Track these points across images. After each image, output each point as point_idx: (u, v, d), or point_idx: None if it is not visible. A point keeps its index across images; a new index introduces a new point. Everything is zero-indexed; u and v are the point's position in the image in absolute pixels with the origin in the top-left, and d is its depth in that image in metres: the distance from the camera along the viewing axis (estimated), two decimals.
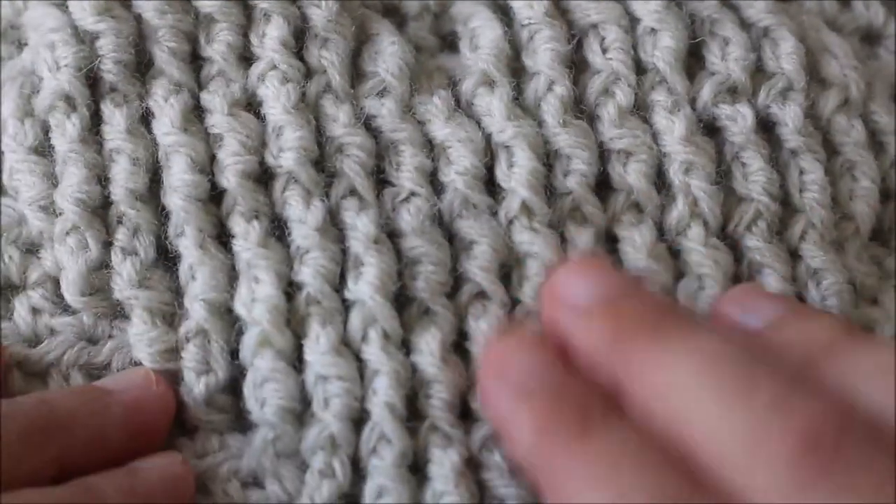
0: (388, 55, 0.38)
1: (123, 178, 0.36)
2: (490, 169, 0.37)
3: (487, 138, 0.37)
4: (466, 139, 0.37)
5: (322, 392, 0.34)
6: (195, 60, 0.38)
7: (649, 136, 0.37)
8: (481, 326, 0.35)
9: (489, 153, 0.37)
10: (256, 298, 0.35)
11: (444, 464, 0.34)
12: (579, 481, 0.29)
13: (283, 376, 0.34)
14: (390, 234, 0.36)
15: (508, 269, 0.36)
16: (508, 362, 0.32)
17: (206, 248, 0.36)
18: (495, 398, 0.31)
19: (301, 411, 0.35)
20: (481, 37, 0.38)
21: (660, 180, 0.37)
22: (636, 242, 0.36)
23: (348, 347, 0.35)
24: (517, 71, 0.38)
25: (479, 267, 0.36)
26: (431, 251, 0.36)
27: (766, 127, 0.38)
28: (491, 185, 0.37)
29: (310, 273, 0.35)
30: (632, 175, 0.37)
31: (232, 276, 0.36)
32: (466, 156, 0.36)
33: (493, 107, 0.37)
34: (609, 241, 0.37)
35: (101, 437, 0.33)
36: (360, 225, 0.36)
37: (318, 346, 0.35)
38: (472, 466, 0.34)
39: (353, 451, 0.34)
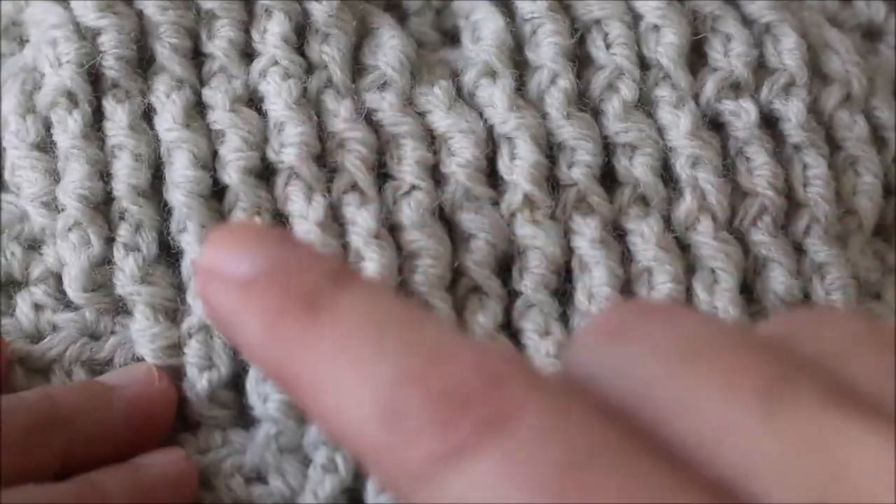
0: (389, 48, 0.38)
1: (125, 175, 0.36)
2: (491, 159, 0.37)
3: (489, 129, 0.37)
4: (468, 130, 0.37)
5: None
6: (197, 57, 0.38)
7: (654, 131, 0.37)
8: (478, 321, 0.35)
9: (491, 144, 0.37)
10: None
11: None
12: (314, 362, 0.24)
13: None
14: (391, 228, 0.36)
15: (510, 260, 0.36)
16: (224, 255, 0.25)
17: None
18: (215, 300, 0.25)
19: None
20: (483, 28, 0.38)
21: (665, 175, 0.37)
22: (645, 233, 0.36)
23: None
24: (520, 65, 0.38)
25: (474, 262, 0.36)
26: (430, 245, 0.36)
27: (768, 122, 0.38)
28: (492, 176, 0.37)
29: None
30: (638, 168, 0.37)
31: None
32: (468, 147, 0.36)
33: (495, 98, 0.37)
34: (616, 235, 0.37)
35: (104, 433, 0.33)
36: (361, 220, 0.36)
37: None
38: None
39: None
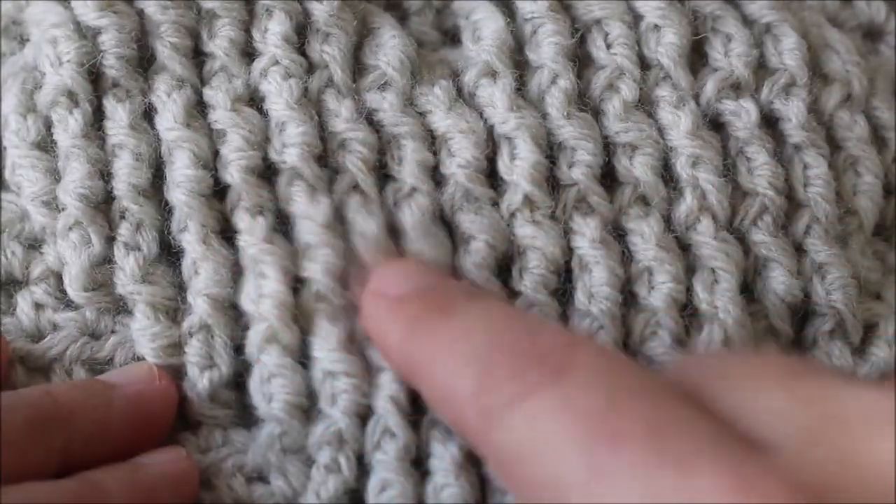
0: (389, 48, 0.38)
1: (126, 174, 0.36)
2: (492, 160, 0.37)
3: (489, 129, 0.37)
4: (468, 130, 0.37)
5: (330, 388, 0.34)
6: (197, 56, 0.38)
7: (655, 131, 0.37)
8: None
9: (491, 144, 0.37)
10: (263, 294, 0.35)
11: (444, 457, 0.34)
12: (444, 358, 0.29)
13: (290, 372, 0.34)
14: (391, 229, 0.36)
15: (510, 260, 0.36)
16: (387, 281, 0.33)
17: (208, 243, 0.36)
18: (373, 313, 0.33)
19: (307, 407, 0.35)
20: (484, 28, 0.38)
21: (665, 175, 0.37)
22: (645, 233, 0.36)
23: (354, 344, 0.35)
24: (520, 65, 0.38)
25: (473, 263, 0.36)
26: (430, 247, 0.36)
27: (769, 122, 0.38)
28: (492, 176, 0.37)
29: (318, 269, 0.35)
30: (638, 168, 0.37)
31: (235, 272, 0.36)
32: (468, 147, 0.36)
33: (495, 98, 0.37)
34: (616, 235, 0.37)
35: (104, 431, 0.33)
36: None
37: (327, 342, 0.34)
38: (474, 460, 0.34)
39: (358, 446, 0.34)
